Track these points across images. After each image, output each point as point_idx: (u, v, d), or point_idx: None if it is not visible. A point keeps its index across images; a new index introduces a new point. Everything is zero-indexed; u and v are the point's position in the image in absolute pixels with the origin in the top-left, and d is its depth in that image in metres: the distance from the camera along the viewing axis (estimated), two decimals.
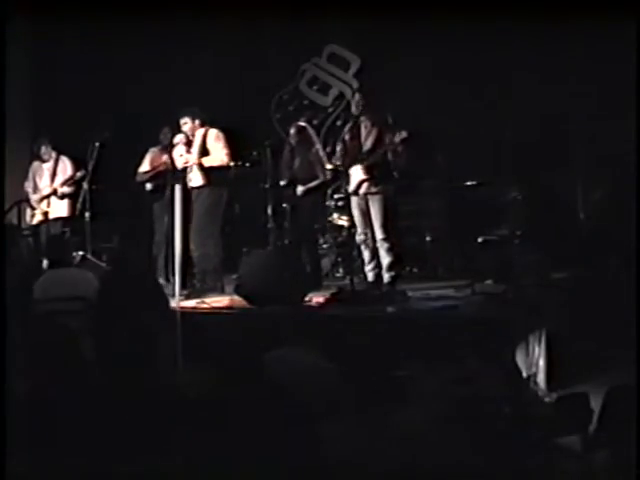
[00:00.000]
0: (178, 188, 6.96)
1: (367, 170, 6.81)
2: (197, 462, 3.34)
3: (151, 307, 6.00)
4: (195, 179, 7.39)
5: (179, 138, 7.47)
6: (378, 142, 6.83)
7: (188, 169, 7.40)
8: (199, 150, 7.41)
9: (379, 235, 6.85)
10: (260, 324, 5.76)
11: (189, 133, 7.47)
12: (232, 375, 3.74)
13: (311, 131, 8.69)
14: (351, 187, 6.90)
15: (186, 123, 7.48)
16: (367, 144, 6.89)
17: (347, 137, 7.02)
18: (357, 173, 6.87)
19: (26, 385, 3.75)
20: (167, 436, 3.55)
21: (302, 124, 8.73)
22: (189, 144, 7.43)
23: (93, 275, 6.04)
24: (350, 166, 6.89)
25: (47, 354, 4.08)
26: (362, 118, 6.95)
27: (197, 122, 7.49)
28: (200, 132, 7.48)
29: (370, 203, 6.87)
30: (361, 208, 6.94)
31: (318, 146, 8.55)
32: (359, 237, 7.03)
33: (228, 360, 4.38)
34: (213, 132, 7.47)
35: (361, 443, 3.28)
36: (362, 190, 6.87)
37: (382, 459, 3.21)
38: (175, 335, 5.57)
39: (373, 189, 6.84)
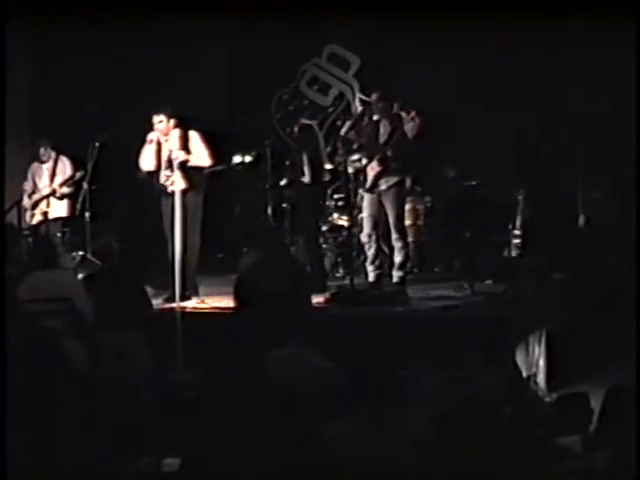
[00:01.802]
0: (178, 191, 6.86)
1: (382, 162, 6.82)
2: (197, 462, 3.34)
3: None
4: (177, 183, 7.04)
5: (152, 136, 7.21)
6: (393, 132, 6.84)
7: (167, 172, 7.09)
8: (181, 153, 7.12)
9: (394, 234, 6.87)
10: (260, 324, 5.75)
11: (163, 132, 7.19)
12: (232, 375, 3.74)
13: (315, 129, 8.71)
14: (368, 183, 6.91)
15: (161, 121, 7.18)
16: (383, 137, 6.90)
17: (364, 134, 7.01)
18: (373, 168, 6.88)
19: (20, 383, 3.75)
20: (166, 436, 3.55)
21: (306, 121, 8.75)
22: (159, 144, 7.18)
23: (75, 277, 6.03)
24: (367, 162, 6.90)
25: (38, 354, 4.07)
26: (376, 114, 6.97)
27: (172, 122, 7.19)
28: (175, 133, 7.20)
29: (384, 201, 6.88)
30: (374, 206, 6.94)
31: (321, 146, 8.59)
32: (365, 236, 7.03)
33: (228, 360, 4.38)
34: (194, 135, 7.21)
35: (361, 443, 3.28)
36: (379, 185, 6.87)
37: (382, 459, 3.21)
38: (175, 335, 5.58)
39: (390, 182, 6.84)
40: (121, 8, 8.98)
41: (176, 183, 7.03)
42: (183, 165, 7.10)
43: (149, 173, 7.31)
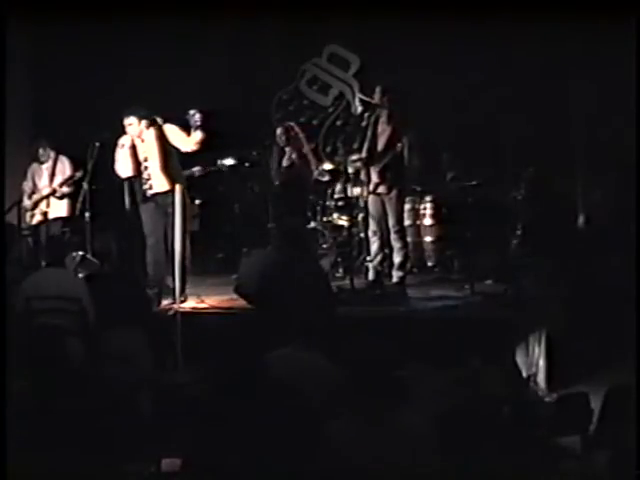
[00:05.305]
0: (178, 191, 6.70)
1: (380, 173, 6.89)
2: (198, 462, 3.33)
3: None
4: (158, 185, 6.83)
5: (125, 140, 6.92)
6: (391, 142, 6.88)
7: (145, 175, 6.86)
8: (160, 153, 6.83)
9: (393, 234, 6.94)
10: (260, 324, 5.76)
11: (135, 135, 6.88)
12: (232, 375, 3.73)
13: (298, 130, 8.72)
14: (371, 186, 6.96)
15: (131, 124, 6.85)
16: (380, 143, 6.93)
17: (369, 135, 7.03)
18: (373, 174, 6.94)
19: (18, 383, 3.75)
20: (166, 436, 3.55)
21: (289, 124, 8.80)
22: (134, 147, 6.87)
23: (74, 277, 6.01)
24: (371, 165, 6.94)
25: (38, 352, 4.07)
26: (381, 116, 6.99)
27: (144, 123, 6.84)
28: (150, 134, 6.87)
29: (386, 202, 6.94)
30: (377, 205, 6.99)
31: (306, 146, 8.61)
32: (371, 232, 7.06)
33: (228, 360, 4.38)
34: (170, 128, 6.86)
35: (361, 443, 3.27)
36: (378, 191, 6.95)
37: (382, 459, 3.21)
38: (174, 335, 5.58)
39: (386, 191, 6.91)
40: (121, 8, 8.97)
41: (157, 185, 6.81)
42: (164, 168, 6.82)
43: (128, 179, 7.07)
